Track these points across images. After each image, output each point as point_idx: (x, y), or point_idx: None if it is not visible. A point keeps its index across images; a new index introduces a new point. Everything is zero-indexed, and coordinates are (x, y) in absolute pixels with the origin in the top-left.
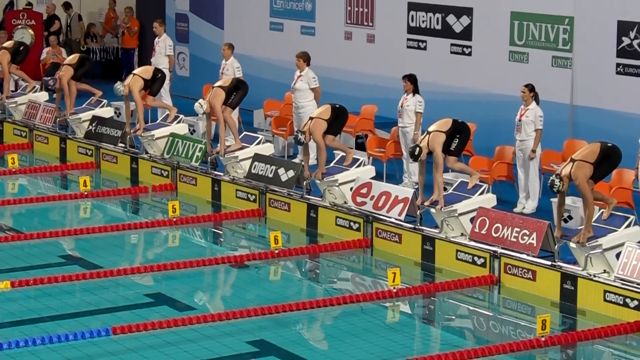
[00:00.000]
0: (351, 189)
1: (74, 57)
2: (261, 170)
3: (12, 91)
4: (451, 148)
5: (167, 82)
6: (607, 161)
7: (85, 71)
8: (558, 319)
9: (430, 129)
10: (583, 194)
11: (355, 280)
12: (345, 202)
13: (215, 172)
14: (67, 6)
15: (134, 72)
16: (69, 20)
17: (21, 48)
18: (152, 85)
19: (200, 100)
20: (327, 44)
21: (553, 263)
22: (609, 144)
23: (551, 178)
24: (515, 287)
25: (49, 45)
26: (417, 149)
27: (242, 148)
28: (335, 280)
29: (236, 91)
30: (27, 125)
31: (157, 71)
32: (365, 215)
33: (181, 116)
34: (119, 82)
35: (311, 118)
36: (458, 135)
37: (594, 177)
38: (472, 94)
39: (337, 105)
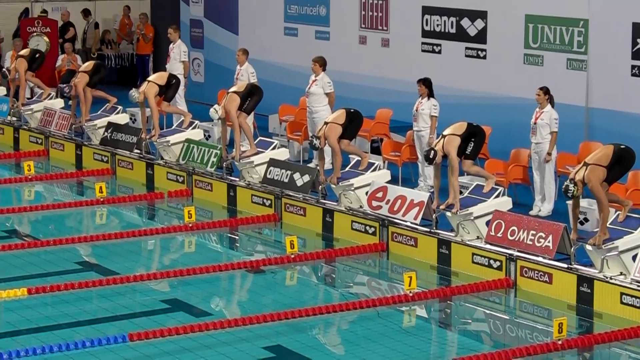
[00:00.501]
0: (367, 193)
1: (89, 64)
2: (276, 175)
3: (28, 98)
4: (467, 151)
5: (182, 88)
6: (621, 163)
7: (101, 78)
8: (575, 322)
9: (445, 132)
10: (597, 197)
11: (371, 284)
12: (360, 207)
13: (231, 178)
14: (86, 13)
15: (149, 78)
16: (86, 27)
17: (37, 55)
18: (167, 91)
19: (216, 106)
20: (341, 49)
21: (569, 266)
22: (622, 146)
23: (565, 183)
24: (532, 290)
25: (64, 53)
26: (432, 152)
27: (257, 153)
28: (352, 284)
29: (251, 96)
30: (42, 132)
31: (172, 77)
32: (381, 219)
33: (196, 122)
34: (134, 89)
35: (326, 123)
36: (473, 139)
37: (607, 179)
38: (487, 97)
39: (352, 110)
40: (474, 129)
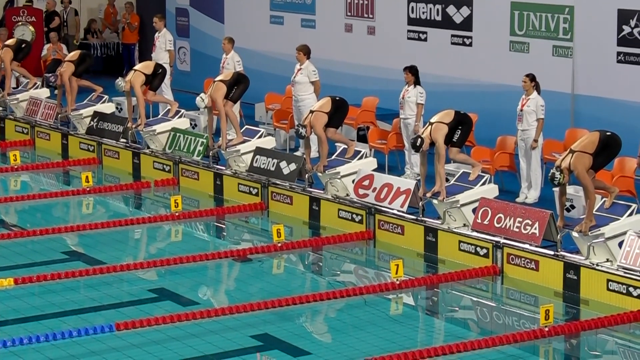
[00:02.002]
0: (353, 181)
1: (75, 54)
2: (263, 163)
3: (14, 88)
4: (454, 139)
5: (168, 76)
6: (607, 150)
7: (87, 67)
8: (561, 308)
9: (433, 120)
10: (583, 184)
11: (358, 272)
12: (347, 195)
13: (217, 166)
14: (68, 1)
15: (135, 67)
16: (65, 15)
17: (23, 45)
18: (153, 80)
19: (202, 95)
20: (327, 37)
21: (556, 253)
22: (608, 133)
23: (551, 171)
24: (518, 278)
25: (50, 42)
26: (419, 139)
27: (243, 142)
28: (339, 272)
29: (237, 85)
30: (28, 122)
31: (158, 66)
32: (368, 207)
33: (182, 111)
34: (120, 78)
35: (312, 111)
36: (460, 127)
37: (594, 166)
38: (473, 84)
39: (338, 98)
40: (461, 117)
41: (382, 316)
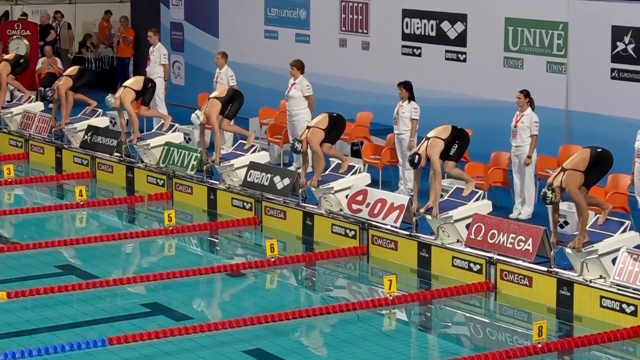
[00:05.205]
0: (347, 196)
1: (73, 69)
2: (257, 178)
3: (8, 101)
4: (450, 153)
5: (162, 91)
6: (598, 167)
7: (84, 83)
8: (554, 325)
9: (430, 135)
10: (576, 201)
11: (351, 287)
12: (341, 210)
13: (211, 181)
14: (62, 15)
15: (125, 84)
16: (58, 29)
17: (21, 61)
18: (144, 95)
19: (197, 112)
20: (322, 52)
21: (549, 269)
22: (599, 149)
23: (543, 190)
24: (512, 294)
25: (44, 55)
26: (417, 156)
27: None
28: (332, 288)
29: (232, 102)
30: (22, 135)
31: (147, 81)
32: (361, 222)
33: (176, 125)
34: (110, 94)
35: (308, 127)
36: (457, 141)
37: (586, 183)
38: (467, 100)
39: (335, 114)
40: (458, 132)
41: (375, 332)
